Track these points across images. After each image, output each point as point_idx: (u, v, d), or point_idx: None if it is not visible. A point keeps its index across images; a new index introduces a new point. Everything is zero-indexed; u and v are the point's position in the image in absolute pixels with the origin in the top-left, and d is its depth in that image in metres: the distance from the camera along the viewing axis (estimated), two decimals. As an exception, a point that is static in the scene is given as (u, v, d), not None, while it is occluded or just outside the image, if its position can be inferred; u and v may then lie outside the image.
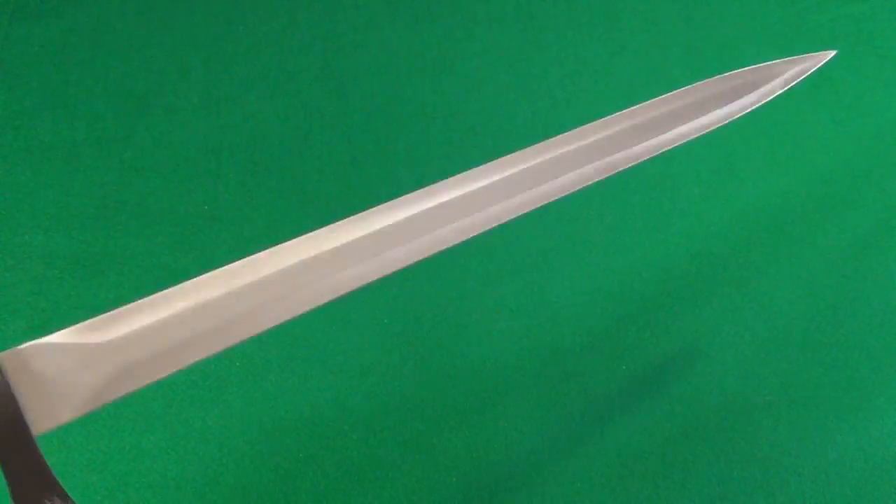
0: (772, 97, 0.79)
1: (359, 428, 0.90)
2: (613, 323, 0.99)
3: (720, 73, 1.25)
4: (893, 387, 0.95)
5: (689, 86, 0.74)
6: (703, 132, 0.72)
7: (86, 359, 0.49)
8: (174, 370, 0.51)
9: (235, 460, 0.88)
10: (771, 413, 0.93)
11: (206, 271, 0.55)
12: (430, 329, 0.97)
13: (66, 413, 0.48)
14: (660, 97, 0.72)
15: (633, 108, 0.70)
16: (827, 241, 1.06)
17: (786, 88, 0.81)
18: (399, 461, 0.89)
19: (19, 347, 0.49)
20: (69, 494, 0.46)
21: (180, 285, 0.53)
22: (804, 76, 0.83)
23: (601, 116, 1.22)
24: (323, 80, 1.18)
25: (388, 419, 0.91)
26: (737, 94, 0.77)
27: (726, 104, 0.76)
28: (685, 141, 0.71)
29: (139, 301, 0.52)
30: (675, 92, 0.73)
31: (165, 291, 0.52)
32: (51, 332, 0.50)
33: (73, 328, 0.50)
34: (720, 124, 0.74)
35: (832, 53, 0.86)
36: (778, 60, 0.83)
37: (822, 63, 0.86)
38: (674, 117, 0.71)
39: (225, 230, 1.03)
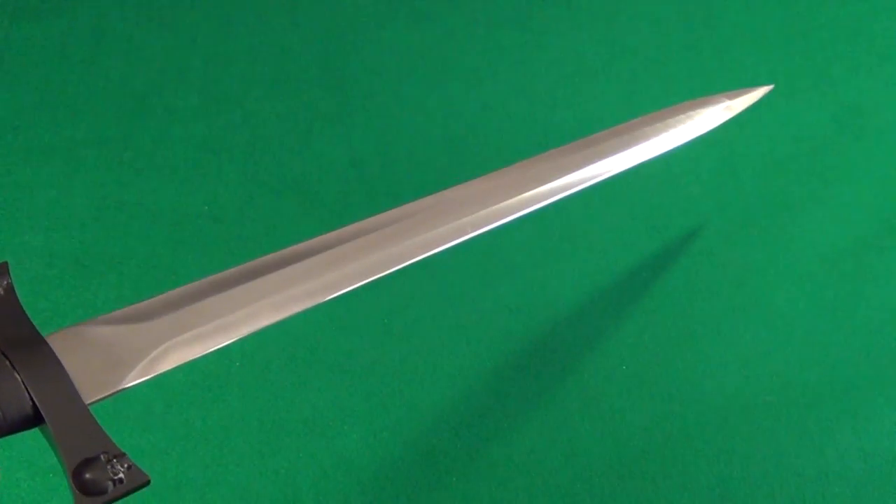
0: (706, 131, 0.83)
1: (359, 428, 0.90)
2: (613, 323, 0.99)
3: (719, 74, 1.25)
4: (893, 387, 0.95)
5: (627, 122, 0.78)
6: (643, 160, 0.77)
7: (131, 336, 0.53)
8: (212, 348, 0.55)
9: (235, 460, 0.88)
10: (771, 413, 0.93)
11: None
12: (430, 329, 0.97)
13: (114, 384, 0.52)
14: (597, 134, 0.76)
15: (565, 145, 0.74)
16: (827, 241, 1.06)
17: (724, 120, 0.85)
18: (399, 461, 0.89)
19: (67, 328, 0.53)
20: (125, 452, 0.47)
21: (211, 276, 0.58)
22: (742, 109, 0.87)
23: (601, 116, 1.22)
24: (323, 80, 1.18)
25: (388, 419, 0.91)
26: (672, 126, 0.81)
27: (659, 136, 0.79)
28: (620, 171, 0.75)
29: (178, 289, 0.56)
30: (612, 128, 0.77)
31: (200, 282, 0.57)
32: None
33: (114, 312, 0.55)
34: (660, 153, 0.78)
35: (769, 87, 0.90)
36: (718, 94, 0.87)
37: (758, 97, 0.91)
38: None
39: (225, 230, 1.03)
